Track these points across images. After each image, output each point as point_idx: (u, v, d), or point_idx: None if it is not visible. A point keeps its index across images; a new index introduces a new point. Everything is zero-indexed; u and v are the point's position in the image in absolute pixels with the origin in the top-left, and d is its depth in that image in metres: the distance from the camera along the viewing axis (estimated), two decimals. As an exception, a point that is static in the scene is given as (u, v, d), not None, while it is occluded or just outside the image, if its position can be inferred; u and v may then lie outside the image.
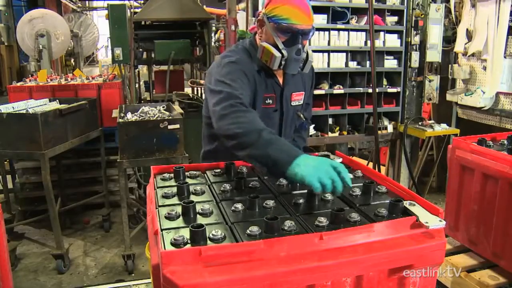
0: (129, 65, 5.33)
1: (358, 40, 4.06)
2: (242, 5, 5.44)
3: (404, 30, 4.21)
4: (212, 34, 6.44)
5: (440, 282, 2.22)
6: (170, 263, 1.03)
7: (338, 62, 4.03)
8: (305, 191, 1.47)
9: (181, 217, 1.31)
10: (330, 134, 4.16)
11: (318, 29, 3.91)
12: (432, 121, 4.39)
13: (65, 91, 4.61)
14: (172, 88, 5.32)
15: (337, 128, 4.20)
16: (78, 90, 4.64)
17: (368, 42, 4.00)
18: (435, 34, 4.20)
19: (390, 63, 4.27)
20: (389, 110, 4.37)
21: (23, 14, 7.77)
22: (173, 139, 3.57)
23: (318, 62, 3.96)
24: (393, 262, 1.17)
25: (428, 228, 1.19)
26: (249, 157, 1.69)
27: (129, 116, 3.83)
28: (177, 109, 4.10)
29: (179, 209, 1.34)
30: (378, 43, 4.11)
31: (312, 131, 4.14)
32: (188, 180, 1.66)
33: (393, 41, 4.22)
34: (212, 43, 5.96)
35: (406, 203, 1.31)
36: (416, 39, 4.22)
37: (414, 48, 4.26)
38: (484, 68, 4.23)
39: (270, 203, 1.38)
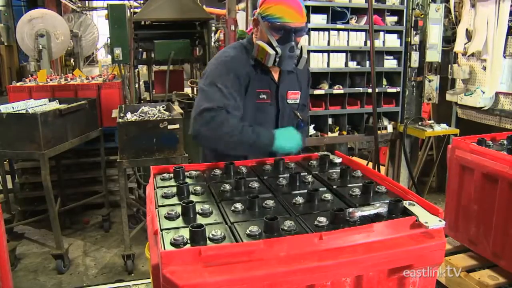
0: (129, 65, 5.33)
1: (357, 40, 4.06)
2: (242, 5, 5.45)
3: (404, 30, 4.21)
4: (212, 34, 6.44)
5: (439, 282, 2.22)
6: (170, 263, 1.03)
7: (338, 62, 4.03)
8: (305, 191, 1.47)
9: (180, 217, 1.31)
10: (329, 134, 4.16)
11: (318, 29, 3.91)
12: (431, 121, 4.38)
13: (64, 91, 4.61)
14: (172, 88, 5.33)
15: (337, 128, 4.20)
16: (78, 90, 4.65)
17: (368, 42, 4.00)
18: (434, 34, 4.20)
19: (390, 63, 4.27)
20: (389, 110, 4.36)
21: (22, 14, 7.78)
22: (173, 139, 3.57)
23: (318, 62, 3.96)
24: (393, 262, 1.17)
25: (427, 228, 1.19)
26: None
27: (129, 116, 3.83)
28: (177, 109, 4.10)
29: (178, 209, 1.33)
30: (378, 43, 4.12)
31: (311, 131, 4.14)
32: (188, 180, 1.66)
33: (392, 41, 4.22)
34: (212, 43, 5.96)
35: (405, 203, 1.30)
36: (415, 39, 4.22)
37: (414, 48, 4.26)
38: (484, 68, 4.23)
39: (270, 203, 1.38)
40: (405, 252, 1.16)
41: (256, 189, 1.55)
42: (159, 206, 1.42)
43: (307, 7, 3.78)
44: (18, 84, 4.73)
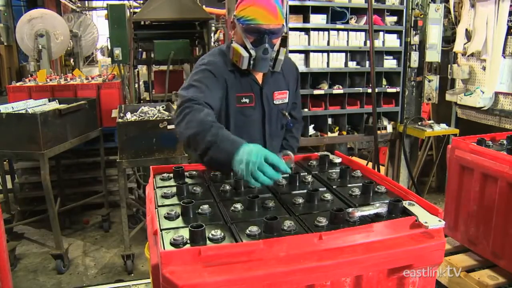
0: (129, 65, 5.33)
1: (357, 40, 4.06)
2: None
3: (404, 30, 4.21)
4: (212, 34, 6.44)
5: (439, 282, 2.22)
6: (170, 263, 1.03)
7: (338, 62, 4.04)
8: (305, 191, 1.47)
9: (180, 217, 1.31)
10: (329, 134, 4.16)
11: (318, 29, 3.92)
12: (431, 121, 4.39)
13: (64, 91, 4.61)
14: (171, 88, 5.32)
15: (337, 128, 4.20)
16: (78, 90, 4.64)
17: (368, 42, 4.00)
18: (434, 34, 4.20)
19: (390, 63, 4.27)
20: (389, 110, 4.37)
21: (22, 14, 7.76)
22: (173, 139, 3.57)
23: (318, 62, 3.96)
24: (393, 262, 1.17)
25: (427, 228, 1.19)
26: (201, 159, 1.76)
27: (129, 116, 3.83)
28: (177, 109, 4.09)
29: (178, 209, 1.34)
30: (378, 43, 4.12)
31: (311, 131, 4.14)
32: (188, 180, 1.66)
33: (392, 41, 4.22)
34: (212, 43, 5.96)
35: (405, 203, 1.31)
36: (415, 39, 4.22)
37: (414, 48, 4.26)
38: (484, 68, 4.23)
39: (270, 203, 1.39)
40: (404, 252, 1.16)
41: (255, 189, 1.55)
42: (159, 206, 1.42)
43: (306, 7, 3.81)
44: (18, 84, 4.73)
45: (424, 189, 5.06)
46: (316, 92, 4.00)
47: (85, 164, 4.92)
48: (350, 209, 1.27)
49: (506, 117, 4.10)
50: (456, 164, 2.37)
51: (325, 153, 1.89)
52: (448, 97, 4.62)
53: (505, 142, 2.37)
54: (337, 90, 4.07)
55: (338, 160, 1.84)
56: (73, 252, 4.14)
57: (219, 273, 1.02)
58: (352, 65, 4.12)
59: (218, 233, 1.16)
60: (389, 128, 4.39)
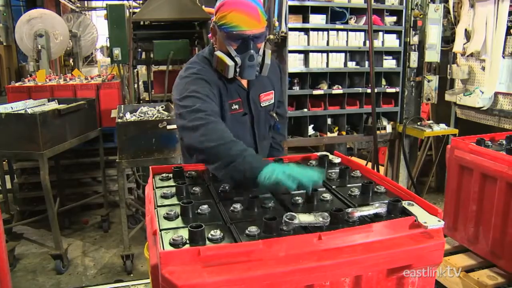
0: (128, 65, 5.32)
1: (357, 40, 4.06)
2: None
3: (403, 30, 4.21)
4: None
5: (438, 282, 2.22)
6: (169, 263, 1.03)
7: (337, 62, 4.04)
8: (304, 191, 1.47)
9: (180, 217, 1.31)
10: (329, 134, 4.16)
11: (317, 29, 3.92)
12: (430, 121, 4.39)
13: (63, 91, 4.61)
14: (171, 88, 5.24)
15: (336, 128, 4.20)
16: (77, 90, 4.65)
17: (367, 42, 4.00)
18: (433, 34, 4.20)
19: (389, 63, 4.27)
20: (388, 110, 4.37)
21: (21, 14, 7.76)
22: (172, 139, 3.57)
23: (317, 62, 3.97)
24: (392, 262, 1.17)
25: (426, 228, 1.19)
26: (217, 171, 1.67)
27: (128, 116, 3.83)
28: (176, 109, 4.09)
29: (178, 209, 1.34)
30: (377, 43, 4.12)
31: (311, 131, 4.14)
32: (187, 180, 1.66)
33: (391, 41, 4.22)
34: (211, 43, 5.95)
35: (405, 203, 1.31)
36: (415, 39, 4.23)
37: (413, 48, 4.26)
38: (483, 68, 4.23)
39: (269, 203, 1.38)
40: (404, 252, 1.16)
41: (255, 189, 1.55)
42: (158, 206, 1.42)
43: (306, 7, 3.82)
44: (17, 84, 4.73)
45: (423, 189, 5.06)
46: (315, 92, 4.00)
47: (84, 164, 4.92)
48: (350, 209, 1.27)
49: (505, 117, 4.11)
50: (456, 164, 2.37)
51: (325, 153, 1.89)
52: (447, 97, 4.62)
53: (504, 142, 2.37)
54: (337, 90, 4.07)
55: (337, 160, 1.84)
56: (72, 252, 4.14)
57: (218, 273, 1.02)
58: (352, 65, 4.13)
59: (217, 233, 1.16)
60: (389, 128, 4.40)
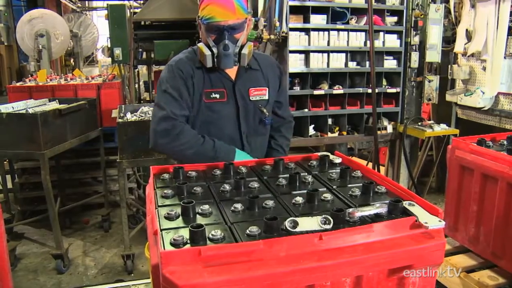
0: (129, 65, 5.33)
1: (357, 40, 4.06)
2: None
3: (404, 31, 4.21)
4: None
5: (439, 283, 2.22)
6: (170, 263, 1.03)
7: (338, 62, 4.03)
8: (305, 191, 1.47)
9: (180, 217, 1.31)
10: (329, 134, 4.16)
11: (318, 29, 3.92)
12: (431, 122, 4.39)
13: (64, 91, 4.61)
14: (171, 88, 5.31)
15: (337, 128, 4.20)
16: (78, 90, 4.65)
17: (368, 42, 4.00)
18: (434, 35, 4.20)
19: (390, 64, 4.27)
20: (389, 110, 4.37)
21: (22, 14, 7.77)
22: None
23: (318, 62, 3.96)
24: (393, 262, 1.17)
25: (427, 229, 1.18)
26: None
27: (129, 116, 3.83)
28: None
29: (178, 209, 1.33)
30: (378, 44, 4.12)
31: (311, 131, 4.14)
32: (188, 180, 1.66)
33: (392, 42, 4.22)
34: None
35: (405, 203, 1.30)
36: (415, 40, 4.22)
37: (414, 48, 4.26)
38: (484, 69, 4.23)
39: (270, 203, 1.38)
40: (405, 252, 1.16)
41: (256, 189, 1.55)
42: (159, 206, 1.42)
43: (306, 7, 3.81)
44: (18, 84, 4.73)
45: (424, 189, 5.06)
46: (316, 92, 4.00)
47: (85, 164, 4.92)
48: (350, 209, 1.27)
49: (506, 117, 4.10)
50: (456, 164, 2.37)
51: (325, 153, 1.88)
52: (448, 97, 4.62)
53: (505, 142, 2.37)
54: (337, 90, 4.07)
55: (338, 160, 1.84)
56: (73, 252, 4.15)
57: (219, 273, 1.02)
58: (352, 65, 4.12)
59: (218, 233, 1.16)
60: (389, 129, 4.40)
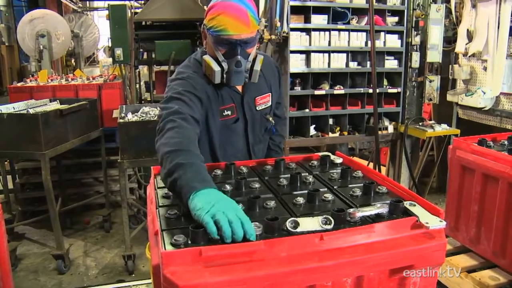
0: (130, 65, 5.33)
1: (358, 40, 4.06)
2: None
3: (405, 31, 4.21)
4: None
5: (440, 283, 2.22)
6: (171, 263, 1.03)
7: (339, 62, 4.04)
8: (306, 191, 1.47)
9: (181, 218, 1.31)
10: (330, 135, 4.16)
11: (319, 30, 3.92)
12: (432, 122, 4.38)
13: (65, 91, 4.62)
14: (172, 88, 5.31)
15: (338, 128, 4.20)
16: (79, 91, 4.65)
17: (369, 42, 4.00)
18: (435, 35, 4.20)
19: (391, 64, 4.27)
20: (390, 110, 4.37)
21: (23, 14, 7.79)
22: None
23: (319, 63, 3.97)
24: (394, 263, 1.17)
25: (428, 229, 1.18)
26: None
27: (130, 116, 3.83)
28: (178, 109, 4.09)
29: (179, 210, 1.33)
30: (379, 44, 4.12)
31: (312, 131, 4.14)
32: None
33: (393, 42, 4.22)
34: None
35: (406, 204, 1.30)
36: (416, 40, 4.22)
37: (415, 48, 4.26)
38: (485, 69, 4.22)
39: (271, 203, 1.38)
40: (406, 253, 1.16)
41: (257, 190, 1.55)
42: (160, 207, 1.42)
43: (307, 7, 3.81)
44: (19, 84, 4.74)
45: (425, 189, 5.05)
46: (317, 92, 4.00)
47: (86, 165, 4.93)
48: (351, 210, 1.27)
49: (507, 118, 4.10)
50: (457, 164, 2.37)
51: (326, 153, 1.89)
52: (449, 97, 4.62)
53: (506, 142, 2.37)
54: (338, 90, 4.07)
55: (339, 160, 1.84)
56: (74, 252, 4.15)
57: (220, 274, 1.02)
58: (353, 65, 4.13)
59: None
60: (390, 129, 4.39)
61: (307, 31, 3.90)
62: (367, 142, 4.80)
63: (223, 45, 1.81)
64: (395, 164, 4.60)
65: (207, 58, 1.86)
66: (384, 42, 4.17)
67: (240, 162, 1.82)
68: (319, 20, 3.91)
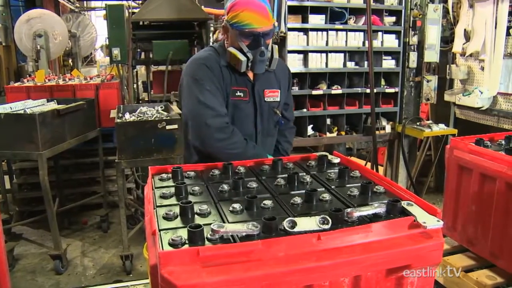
0: (127, 65, 5.33)
1: (356, 40, 4.07)
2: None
3: (402, 31, 4.21)
4: (210, 35, 6.43)
5: (438, 282, 2.22)
6: (168, 263, 1.03)
7: (336, 62, 4.04)
8: (303, 191, 1.47)
9: (179, 218, 1.31)
10: (328, 134, 4.16)
11: (316, 30, 3.92)
12: (430, 121, 4.39)
13: (63, 91, 4.61)
14: (170, 88, 5.31)
15: (335, 128, 4.21)
16: (76, 91, 4.64)
17: (366, 42, 4.01)
18: (433, 35, 4.21)
19: (388, 63, 4.28)
20: (387, 110, 4.37)
21: (21, 14, 7.75)
22: (171, 140, 3.57)
23: (316, 62, 3.97)
24: (391, 262, 1.17)
25: (426, 228, 1.19)
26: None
27: (127, 116, 3.83)
28: (175, 109, 4.10)
29: (177, 210, 1.33)
30: (376, 44, 4.12)
31: (310, 131, 4.14)
32: (186, 181, 1.66)
33: (391, 42, 4.23)
34: (210, 44, 5.95)
35: (404, 203, 1.30)
36: (414, 40, 4.23)
37: (412, 48, 4.27)
38: (482, 69, 4.24)
39: (268, 203, 1.38)
40: (403, 252, 1.16)
41: (254, 189, 1.55)
42: (157, 207, 1.41)
43: (305, 7, 3.82)
44: (16, 84, 4.73)
45: (422, 189, 5.07)
46: (314, 92, 4.01)
47: (83, 165, 4.92)
48: (349, 209, 1.27)
49: (504, 117, 4.11)
50: (455, 164, 2.37)
51: (324, 153, 1.88)
52: (446, 97, 4.63)
53: (503, 142, 2.37)
54: (336, 90, 4.08)
55: (336, 160, 1.84)
56: (71, 252, 4.14)
57: (217, 274, 1.02)
58: (351, 65, 4.13)
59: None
60: (388, 128, 4.40)
61: (305, 31, 3.91)
62: (365, 142, 4.81)
63: (247, 38, 2.08)
64: (392, 164, 4.61)
65: (232, 50, 2.11)
66: (382, 42, 4.17)
67: (238, 162, 1.82)
68: (316, 20, 3.92)
